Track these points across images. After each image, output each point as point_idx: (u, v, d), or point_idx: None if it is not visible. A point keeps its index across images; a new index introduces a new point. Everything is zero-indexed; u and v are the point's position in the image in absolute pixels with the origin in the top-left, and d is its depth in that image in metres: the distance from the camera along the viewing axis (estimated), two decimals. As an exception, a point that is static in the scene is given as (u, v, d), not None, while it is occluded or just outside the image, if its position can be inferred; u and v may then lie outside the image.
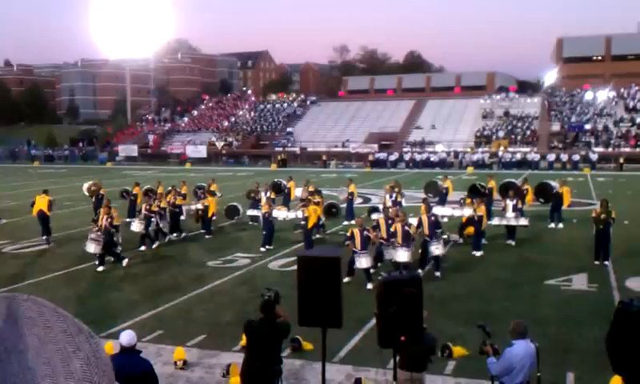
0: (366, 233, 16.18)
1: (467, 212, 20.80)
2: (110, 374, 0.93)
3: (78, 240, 22.35)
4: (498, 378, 7.79)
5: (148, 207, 21.92)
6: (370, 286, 15.44)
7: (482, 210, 19.81)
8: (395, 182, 26.48)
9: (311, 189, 25.01)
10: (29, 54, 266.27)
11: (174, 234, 23.16)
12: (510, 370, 7.61)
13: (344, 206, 26.67)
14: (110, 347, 10.26)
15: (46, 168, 66.06)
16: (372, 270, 16.30)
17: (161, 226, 22.10)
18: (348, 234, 16.56)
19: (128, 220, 26.82)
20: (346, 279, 14.61)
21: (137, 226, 21.79)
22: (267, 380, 7.96)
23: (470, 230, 20.57)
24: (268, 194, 24.51)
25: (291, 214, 23.33)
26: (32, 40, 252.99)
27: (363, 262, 15.93)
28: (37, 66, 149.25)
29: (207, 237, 23.19)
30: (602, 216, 18.06)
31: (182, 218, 24.06)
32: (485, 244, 20.23)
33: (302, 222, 20.92)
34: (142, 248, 21.16)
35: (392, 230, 16.74)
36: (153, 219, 21.80)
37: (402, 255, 16.25)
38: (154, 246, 21.43)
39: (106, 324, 12.93)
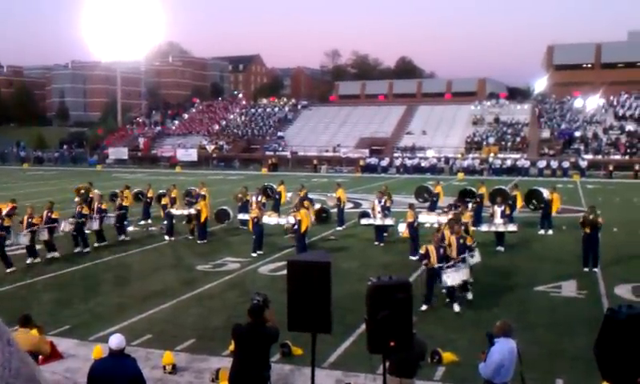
0: (442, 250, 14.73)
1: None
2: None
3: (66, 244, 22.25)
4: (492, 380, 7.87)
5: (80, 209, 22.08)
6: (457, 308, 14.21)
7: (467, 217, 19.84)
8: (384, 187, 26.47)
9: (302, 193, 24.99)
10: (19, 55, 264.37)
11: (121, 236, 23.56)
12: (501, 366, 7.71)
13: (334, 210, 26.70)
14: (99, 351, 10.21)
15: (35, 170, 65.74)
16: (470, 296, 14.95)
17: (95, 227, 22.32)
18: (422, 252, 15.10)
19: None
20: (423, 307, 14.00)
21: (67, 226, 21.52)
22: (254, 384, 7.93)
23: None
24: (258, 198, 24.46)
25: (282, 220, 22.84)
26: (22, 41, 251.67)
27: (449, 279, 14.29)
28: (27, 68, 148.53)
29: (200, 242, 22.96)
30: (591, 217, 18.17)
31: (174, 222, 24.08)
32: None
33: (295, 227, 20.84)
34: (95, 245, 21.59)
35: (444, 249, 14.93)
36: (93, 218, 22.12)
37: (462, 274, 14.62)
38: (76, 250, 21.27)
39: (96, 327, 12.87)
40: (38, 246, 20.00)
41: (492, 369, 7.82)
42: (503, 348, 7.81)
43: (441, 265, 14.48)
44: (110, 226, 23.55)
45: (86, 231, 22.06)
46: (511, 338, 7.93)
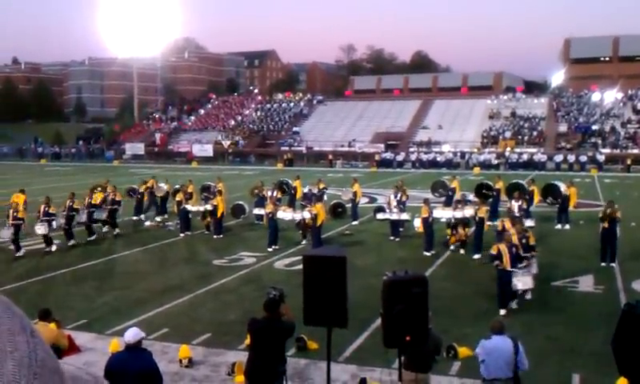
0: (514, 250, 13.71)
1: (468, 212, 20.32)
2: (45, 377, 0.91)
3: (85, 237, 22.46)
4: (485, 374, 8.00)
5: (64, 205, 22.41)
6: (514, 305, 13.61)
7: (482, 212, 19.72)
8: (400, 182, 26.38)
9: (321, 186, 25.06)
10: (36, 51, 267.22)
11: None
12: (481, 361, 8.00)
13: (349, 205, 26.68)
14: (116, 344, 10.30)
15: (53, 166, 66.28)
16: (528, 296, 14.23)
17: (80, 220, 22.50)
18: (493, 252, 13.86)
19: (135, 218, 27.02)
20: (502, 312, 13.10)
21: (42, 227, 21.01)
22: (271, 379, 7.96)
23: (453, 240, 20.30)
24: (274, 193, 24.48)
25: (297, 216, 22.56)
26: (40, 38, 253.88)
27: (520, 283, 13.42)
28: (44, 64, 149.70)
29: (216, 237, 23.01)
30: (608, 211, 18.04)
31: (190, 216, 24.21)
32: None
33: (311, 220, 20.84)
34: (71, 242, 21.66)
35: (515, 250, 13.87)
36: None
37: (532, 278, 13.76)
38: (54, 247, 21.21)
39: (113, 321, 12.99)
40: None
41: (481, 363, 8.09)
42: (487, 345, 8.00)
43: (514, 269, 13.35)
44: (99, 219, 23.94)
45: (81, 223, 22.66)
46: (504, 334, 7.99)
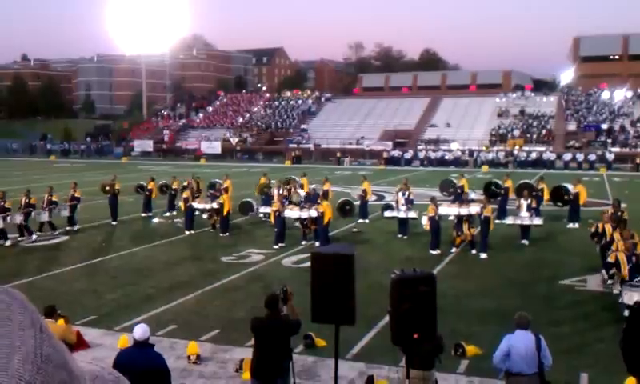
0: (633, 259, 12.48)
1: (474, 210, 20.13)
2: (48, 372, 0.92)
3: (93, 234, 22.57)
4: (500, 367, 7.98)
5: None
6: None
7: (488, 211, 19.64)
8: (405, 180, 26.26)
9: (327, 186, 25.06)
10: (45, 48, 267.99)
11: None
12: (506, 355, 7.90)
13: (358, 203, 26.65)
14: (125, 340, 10.34)
15: (62, 162, 66.55)
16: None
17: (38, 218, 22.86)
18: (611, 261, 12.82)
19: (144, 215, 27.11)
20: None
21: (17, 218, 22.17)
22: (276, 375, 7.98)
23: (458, 241, 20.19)
24: (280, 191, 24.50)
25: (304, 214, 22.22)
26: (49, 35, 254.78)
27: (627, 296, 11.80)
28: (53, 61, 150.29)
29: (222, 235, 23.00)
30: (618, 213, 17.95)
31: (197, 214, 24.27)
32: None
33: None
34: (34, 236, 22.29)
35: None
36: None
37: None
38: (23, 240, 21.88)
39: (122, 317, 13.05)
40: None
41: (498, 357, 8.02)
42: (513, 339, 7.94)
43: (635, 282, 12.05)
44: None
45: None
46: (528, 330, 7.96)
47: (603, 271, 15.14)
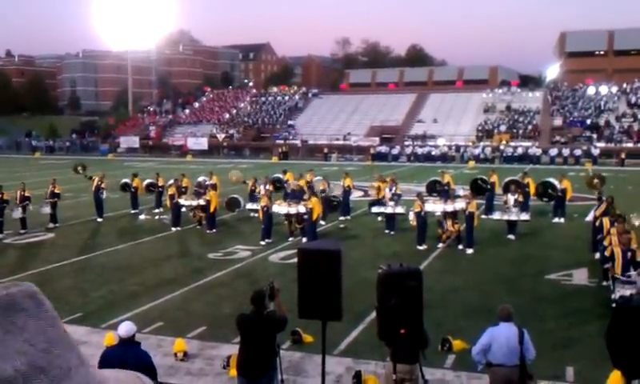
0: (629, 254, 12.27)
1: (459, 206, 20.09)
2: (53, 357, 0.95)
3: (79, 231, 22.43)
4: (478, 360, 8.02)
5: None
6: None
7: (472, 207, 19.68)
8: (388, 175, 26.12)
9: (309, 178, 25.01)
10: (30, 44, 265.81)
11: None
12: (487, 347, 7.95)
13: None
14: (111, 338, 10.28)
15: (47, 159, 66.07)
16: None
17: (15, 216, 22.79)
18: (607, 255, 12.63)
19: (133, 211, 26.96)
20: None
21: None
22: (262, 371, 7.97)
23: (444, 237, 20.21)
24: (267, 186, 24.44)
25: (292, 210, 22.08)
26: (33, 30, 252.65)
27: (619, 293, 11.78)
28: (38, 57, 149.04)
29: (209, 231, 22.90)
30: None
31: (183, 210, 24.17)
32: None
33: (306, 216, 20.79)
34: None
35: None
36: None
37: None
38: None
39: (108, 315, 12.98)
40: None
41: (477, 350, 8.08)
42: (496, 331, 7.99)
43: (627, 277, 11.90)
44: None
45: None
46: (511, 322, 8.00)
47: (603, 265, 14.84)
